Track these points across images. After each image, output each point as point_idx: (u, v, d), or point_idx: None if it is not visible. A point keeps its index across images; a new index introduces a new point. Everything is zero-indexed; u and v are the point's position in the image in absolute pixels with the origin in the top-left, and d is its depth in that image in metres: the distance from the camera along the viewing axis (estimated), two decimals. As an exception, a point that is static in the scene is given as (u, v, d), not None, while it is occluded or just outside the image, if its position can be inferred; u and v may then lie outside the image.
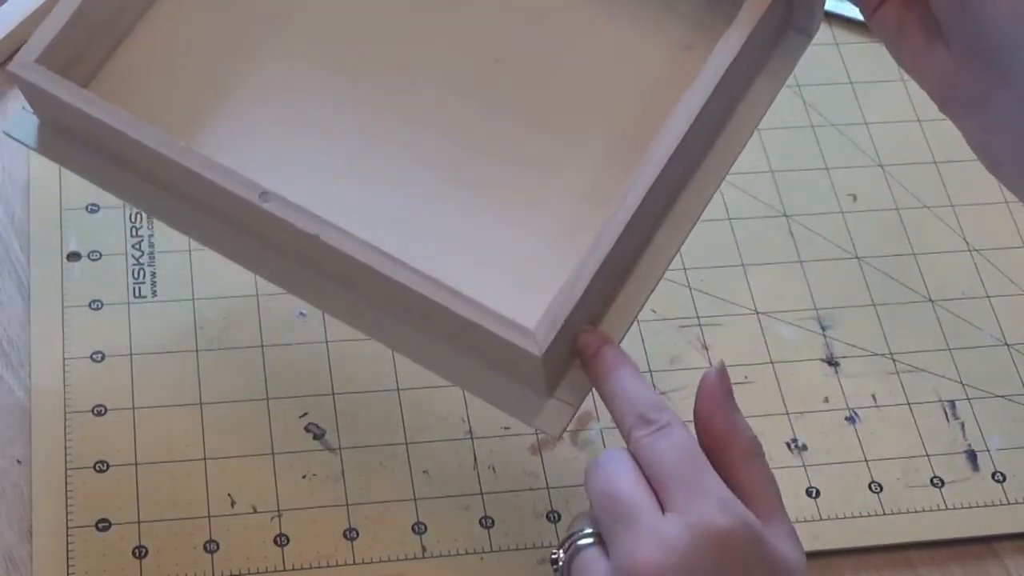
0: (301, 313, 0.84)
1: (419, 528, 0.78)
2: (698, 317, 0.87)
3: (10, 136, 0.77)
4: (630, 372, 0.70)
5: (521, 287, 0.72)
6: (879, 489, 0.82)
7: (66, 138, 0.77)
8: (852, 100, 0.96)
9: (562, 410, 0.72)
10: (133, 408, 0.81)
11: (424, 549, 0.78)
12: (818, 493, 0.81)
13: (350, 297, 0.74)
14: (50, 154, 0.77)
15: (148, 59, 0.79)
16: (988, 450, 0.83)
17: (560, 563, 0.68)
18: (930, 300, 0.89)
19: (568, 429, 0.74)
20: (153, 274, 0.86)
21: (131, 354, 0.82)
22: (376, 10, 0.81)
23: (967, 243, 0.91)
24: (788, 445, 0.83)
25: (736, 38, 0.74)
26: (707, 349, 0.86)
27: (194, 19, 0.81)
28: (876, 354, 0.87)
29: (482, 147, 0.77)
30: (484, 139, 0.78)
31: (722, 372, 0.71)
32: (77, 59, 0.77)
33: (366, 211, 0.74)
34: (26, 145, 0.77)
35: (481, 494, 0.80)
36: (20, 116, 0.78)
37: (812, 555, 0.79)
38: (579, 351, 0.71)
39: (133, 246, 0.87)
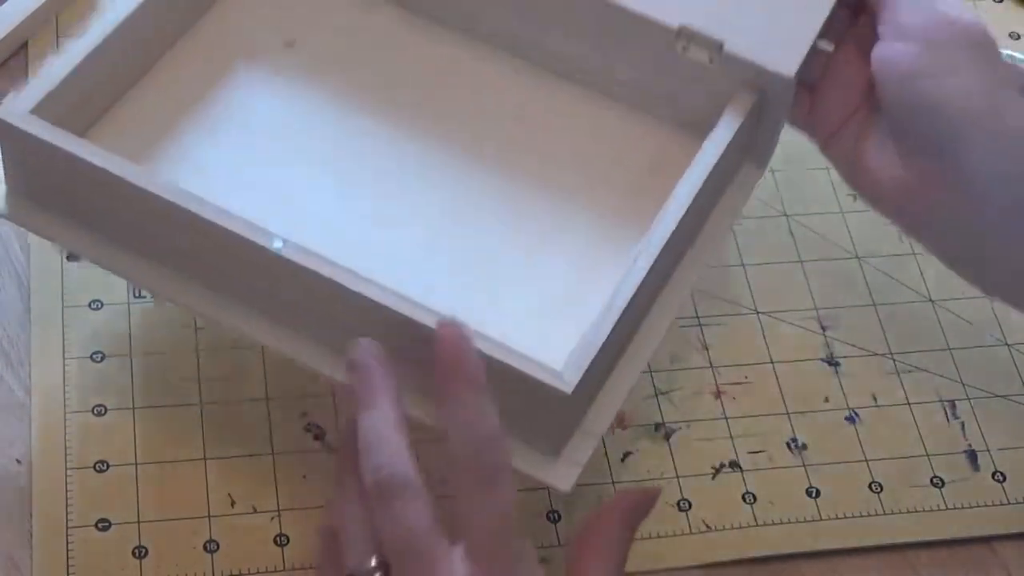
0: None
1: (419, 528, 0.78)
2: (698, 317, 0.87)
3: None
4: (479, 392, 0.65)
5: (528, 343, 0.72)
6: (879, 489, 0.82)
7: (38, 203, 0.77)
8: (852, 100, 0.96)
9: (569, 470, 0.72)
10: (133, 408, 0.81)
11: (424, 549, 0.78)
12: (818, 493, 0.81)
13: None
14: (18, 219, 0.77)
15: (136, 121, 0.81)
16: (988, 450, 0.84)
17: None
18: (930, 300, 0.89)
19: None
20: (153, 274, 0.86)
21: (131, 354, 0.82)
22: (385, 79, 0.84)
23: (967, 243, 0.91)
24: (788, 445, 0.83)
25: (722, 135, 0.78)
26: (707, 349, 0.86)
27: (187, 84, 0.83)
28: (876, 354, 0.87)
29: (479, 208, 0.80)
30: (480, 199, 0.81)
31: (649, 497, 0.70)
32: (66, 119, 0.77)
33: (361, 264, 0.74)
34: None
35: (481, 494, 0.80)
36: None
37: (812, 555, 0.79)
38: (439, 345, 0.65)
39: (133, 246, 0.87)
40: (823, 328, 0.87)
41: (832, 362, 0.86)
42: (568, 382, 0.69)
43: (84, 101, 0.79)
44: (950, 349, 0.87)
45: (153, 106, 0.82)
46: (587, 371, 0.70)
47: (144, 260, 0.76)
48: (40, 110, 0.75)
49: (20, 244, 0.86)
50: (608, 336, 0.71)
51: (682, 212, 0.75)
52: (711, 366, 0.85)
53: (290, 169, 0.81)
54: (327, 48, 0.86)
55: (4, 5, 0.93)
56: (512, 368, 0.69)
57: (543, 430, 0.71)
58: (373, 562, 0.65)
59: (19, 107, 0.74)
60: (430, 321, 0.68)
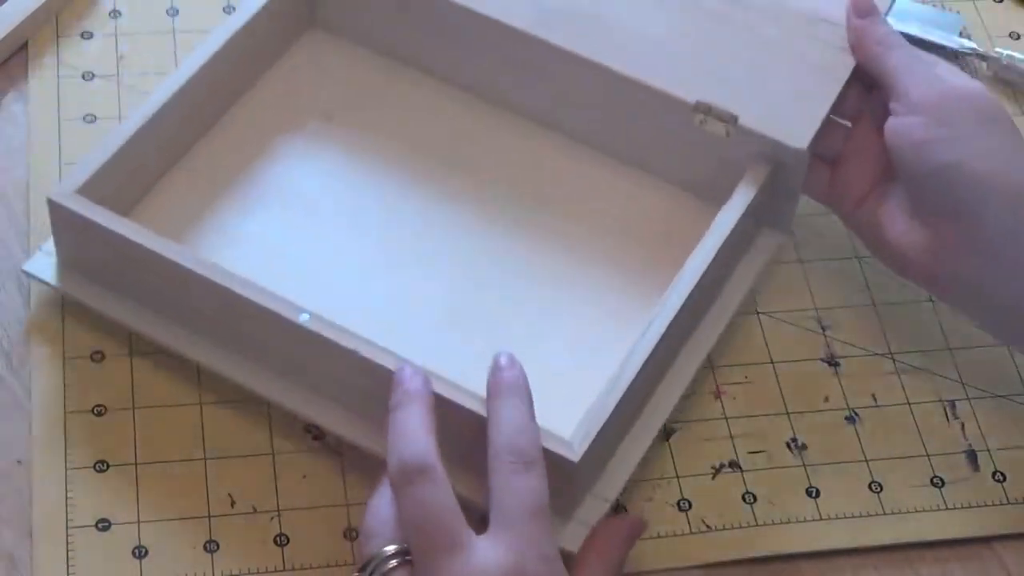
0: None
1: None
2: (698, 317, 0.87)
3: (31, 275, 0.82)
4: (523, 402, 0.71)
5: (546, 406, 0.74)
6: (879, 489, 0.82)
7: (86, 275, 0.81)
8: (852, 100, 0.96)
9: (581, 531, 0.75)
10: (133, 408, 0.80)
11: (424, 549, 0.78)
12: (818, 493, 0.81)
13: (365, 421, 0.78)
14: (72, 289, 0.82)
15: (179, 197, 0.85)
16: (988, 450, 0.83)
17: None
18: (930, 300, 0.89)
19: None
20: (153, 274, 0.86)
21: (131, 354, 0.82)
22: (419, 150, 0.89)
23: (967, 243, 0.91)
24: (788, 445, 0.83)
25: (736, 205, 0.81)
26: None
27: (228, 159, 0.87)
28: (876, 354, 0.87)
29: (503, 275, 0.84)
30: (503, 266, 0.84)
31: (641, 525, 0.76)
32: (112, 197, 0.81)
33: (386, 335, 0.77)
34: (48, 284, 0.82)
35: (481, 494, 0.80)
36: (39, 258, 0.82)
37: (812, 555, 0.79)
38: (496, 366, 0.73)
39: (133, 246, 0.87)
40: (823, 328, 0.87)
41: (832, 362, 0.86)
42: (576, 451, 0.72)
43: (128, 180, 0.83)
44: (950, 349, 0.87)
45: (195, 182, 0.86)
46: (595, 440, 0.73)
47: (183, 329, 0.80)
48: (86, 190, 0.79)
49: (20, 244, 0.86)
50: (616, 406, 0.74)
51: (693, 283, 0.78)
52: (711, 366, 0.85)
53: (323, 240, 0.85)
54: (364, 121, 0.90)
55: (4, 5, 0.93)
56: None
57: (554, 494, 0.72)
58: (391, 549, 0.67)
59: (67, 187, 0.79)
60: (453, 395, 0.73)
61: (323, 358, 0.76)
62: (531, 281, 0.84)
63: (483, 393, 0.73)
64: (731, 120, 0.82)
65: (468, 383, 0.73)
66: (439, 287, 0.83)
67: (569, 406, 0.75)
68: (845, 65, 0.83)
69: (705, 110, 0.83)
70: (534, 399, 0.72)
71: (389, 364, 0.74)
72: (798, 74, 0.84)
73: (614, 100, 0.86)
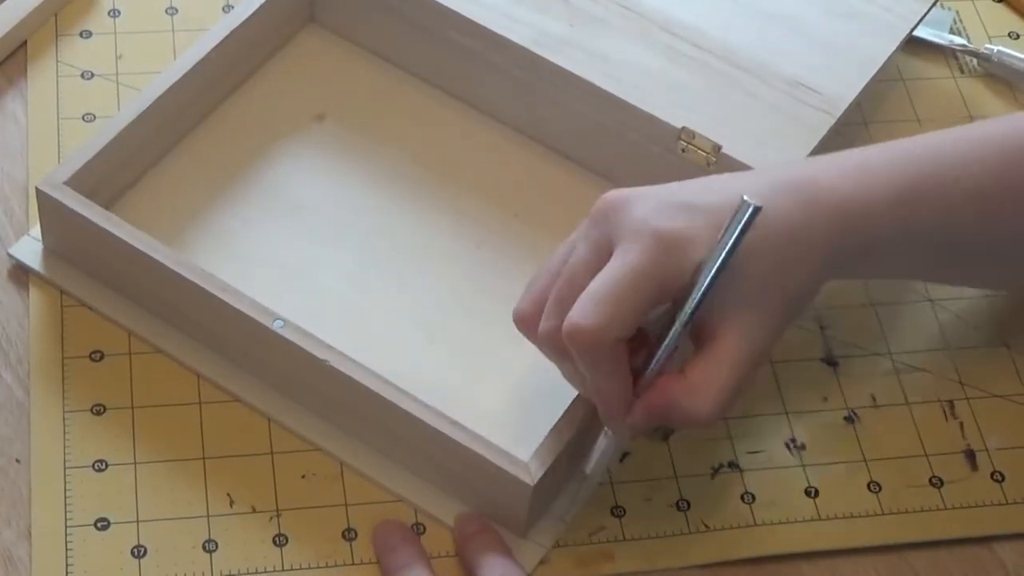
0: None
1: (418, 529, 0.78)
2: (697, 317, 0.87)
3: (16, 259, 0.84)
4: (505, 549, 0.76)
5: (500, 432, 0.76)
6: (878, 489, 0.82)
7: (71, 264, 0.83)
8: (852, 100, 0.96)
9: (534, 550, 0.77)
10: (132, 407, 0.81)
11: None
12: (817, 493, 0.81)
13: (350, 430, 0.79)
14: (55, 277, 0.83)
15: (165, 191, 0.86)
16: (987, 450, 0.84)
17: None
18: (930, 300, 0.89)
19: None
20: (152, 273, 0.86)
21: (130, 353, 0.82)
22: (407, 157, 0.89)
23: (967, 243, 0.91)
24: (787, 445, 0.83)
25: None
26: (706, 349, 0.86)
27: (216, 155, 0.88)
28: (876, 354, 0.87)
29: (476, 292, 0.85)
30: (477, 283, 0.85)
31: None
32: (99, 188, 0.82)
33: (359, 339, 0.80)
34: (32, 270, 0.83)
35: (480, 494, 0.80)
36: (25, 243, 0.84)
37: (812, 555, 0.79)
38: (460, 529, 0.77)
39: (132, 245, 0.87)
40: (822, 327, 0.87)
41: (831, 361, 0.86)
42: (533, 475, 0.74)
43: (118, 173, 0.84)
44: (950, 349, 0.87)
45: (185, 178, 0.87)
46: (552, 465, 0.74)
47: (159, 321, 0.81)
48: (75, 180, 0.81)
49: (19, 243, 0.86)
50: (576, 431, 0.75)
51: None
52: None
53: (306, 241, 0.85)
54: (356, 123, 0.90)
55: (4, 5, 0.93)
56: (483, 458, 0.74)
57: (512, 514, 0.75)
58: None
59: (57, 177, 0.81)
60: (411, 407, 0.75)
61: (295, 363, 0.77)
62: (507, 299, 0.83)
63: (449, 411, 0.75)
64: (714, 149, 0.84)
65: (434, 396, 0.76)
66: (418, 297, 0.84)
67: (534, 427, 0.76)
68: (824, 122, 0.85)
69: (689, 137, 0.84)
70: (499, 418, 0.75)
71: (358, 376, 0.75)
72: (780, 120, 0.85)
73: (603, 120, 0.87)
